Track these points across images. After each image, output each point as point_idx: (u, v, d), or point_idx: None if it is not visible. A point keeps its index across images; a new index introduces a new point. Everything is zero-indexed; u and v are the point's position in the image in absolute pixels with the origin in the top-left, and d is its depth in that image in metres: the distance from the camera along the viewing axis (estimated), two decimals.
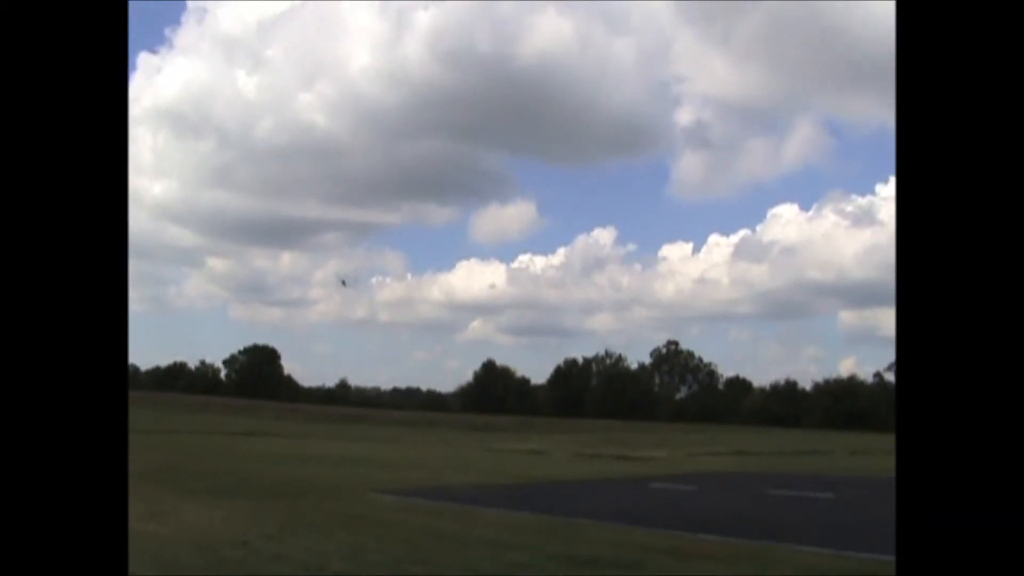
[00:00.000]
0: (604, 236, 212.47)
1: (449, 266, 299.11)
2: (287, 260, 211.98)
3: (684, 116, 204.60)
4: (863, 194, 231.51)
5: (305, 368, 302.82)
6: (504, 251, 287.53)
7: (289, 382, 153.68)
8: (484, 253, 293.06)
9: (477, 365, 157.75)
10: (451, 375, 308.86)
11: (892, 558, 11.44)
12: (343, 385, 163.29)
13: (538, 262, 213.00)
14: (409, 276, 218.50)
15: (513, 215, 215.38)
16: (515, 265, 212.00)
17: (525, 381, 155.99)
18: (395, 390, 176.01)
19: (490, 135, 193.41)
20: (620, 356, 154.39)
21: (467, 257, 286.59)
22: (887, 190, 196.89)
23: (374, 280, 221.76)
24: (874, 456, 50.16)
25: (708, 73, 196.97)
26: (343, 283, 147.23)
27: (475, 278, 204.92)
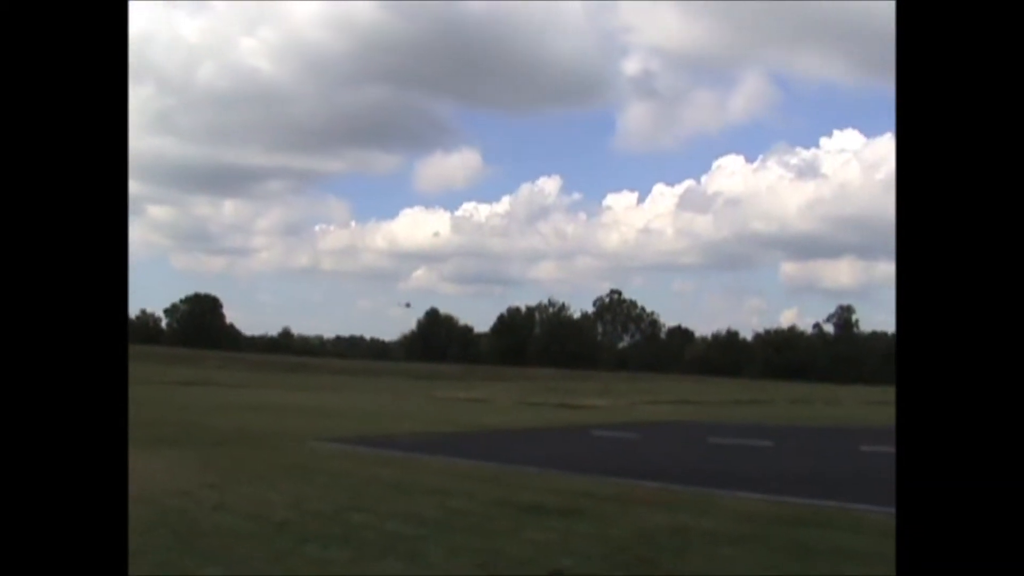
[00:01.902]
0: (549, 185, 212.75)
1: (393, 214, 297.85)
2: (230, 208, 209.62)
3: (631, 66, 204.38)
4: (808, 147, 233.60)
5: (248, 317, 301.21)
6: (448, 199, 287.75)
7: (231, 331, 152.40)
8: (428, 201, 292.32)
9: (421, 314, 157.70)
10: (395, 324, 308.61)
11: (826, 503, 11.71)
12: (286, 334, 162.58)
13: (482, 211, 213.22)
14: (353, 224, 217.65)
15: (458, 163, 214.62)
16: (459, 213, 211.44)
17: (468, 330, 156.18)
18: (338, 339, 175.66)
19: (436, 83, 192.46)
20: (563, 305, 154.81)
21: (411, 205, 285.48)
22: (831, 144, 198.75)
23: (317, 228, 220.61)
24: (813, 405, 51.05)
25: (656, 24, 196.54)
26: (407, 305, 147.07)
27: (419, 226, 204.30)
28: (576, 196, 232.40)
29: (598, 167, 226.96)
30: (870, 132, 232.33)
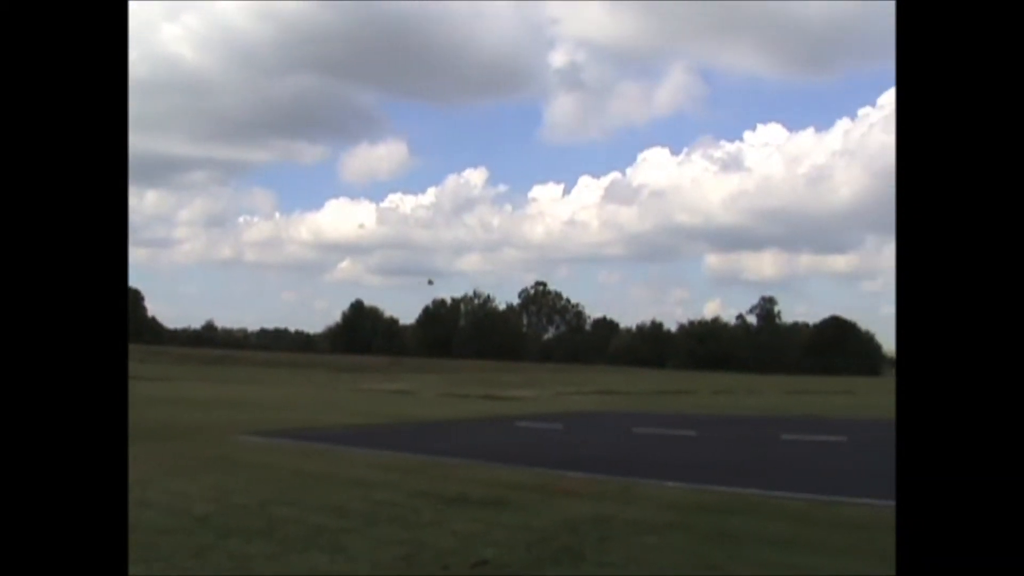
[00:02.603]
0: (475, 177, 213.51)
1: (318, 205, 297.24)
2: (152, 198, 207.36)
3: (558, 58, 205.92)
4: (732, 141, 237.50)
5: (170, 309, 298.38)
6: (374, 191, 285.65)
7: (153, 324, 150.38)
8: (354, 192, 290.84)
9: (346, 306, 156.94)
10: (319, 316, 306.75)
11: (748, 490, 11.85)
12: (209, 327, 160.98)
13: (408, 202, 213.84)
14: (277, 215, 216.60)
15: (384, 154, 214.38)
16: (385, 205, 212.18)
17: (394, 321, 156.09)
18: (262, 331, 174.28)
19: (362, 73, 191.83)
20: (489, 297, 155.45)
21: (337, 197, 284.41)
22: (755, 137, 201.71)
23: (242, 219, 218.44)
24: (736, 395, 51.65)
25: (583, 16, 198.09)
26: (430, 282, 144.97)
27: (344, 218, 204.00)
28: (502, 188, 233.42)
29: (524, 159, 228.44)
30: (793, 126, 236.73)
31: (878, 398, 47.13)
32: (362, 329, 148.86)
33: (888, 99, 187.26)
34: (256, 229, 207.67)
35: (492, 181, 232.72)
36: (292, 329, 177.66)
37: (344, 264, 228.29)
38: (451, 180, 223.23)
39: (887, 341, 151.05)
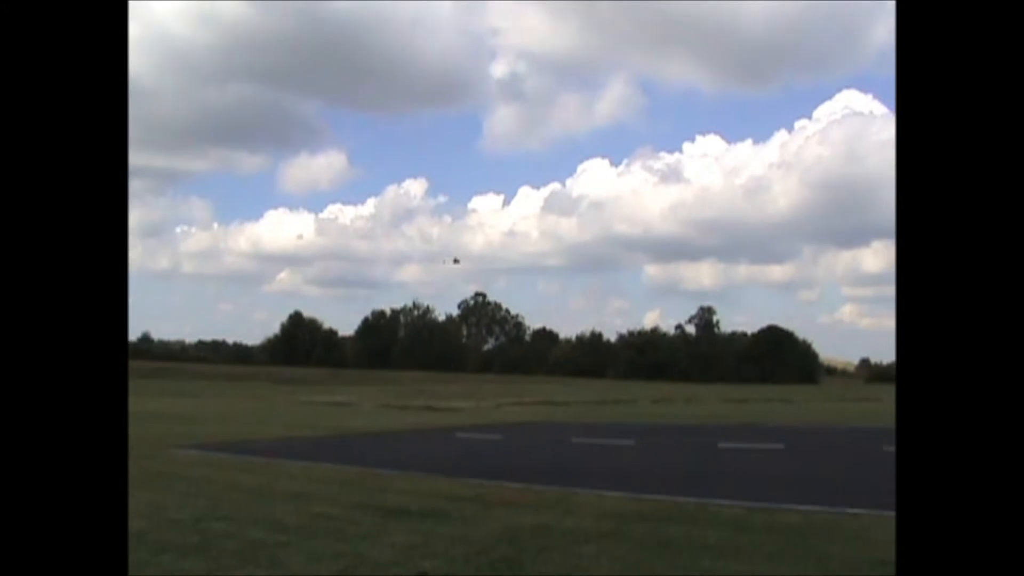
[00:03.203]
0: (415, 187, 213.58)
1: (257, 216, 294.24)
2: None
3: (499, 68, 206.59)
4: (671, 152, 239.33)
5: None
6: (313, 201, 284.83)
7: None
8: (293, 203, 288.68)
9: (284, 317, 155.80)
10: (258, 327, 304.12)
11: (685, 499, 11.92)
12: (145, 338, 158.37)
13: (348, 212, 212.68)
14: (215, 225, 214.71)
15: (323, 164, 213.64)
16: (324, 215, 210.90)
17: (333, 333, 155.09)
18: (200, 343, 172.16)
19: (302, 82, 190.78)
20: (428, 308, 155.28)
21: (275, 207, 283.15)
22: (694, 148, 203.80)
23: (179, 229, 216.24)
24: (674, 404, 52.00)
25: (524, 26, 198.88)
26: (455, 261, 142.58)
27: (283, 228, 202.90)
28: (442, 198, 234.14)
29: (464, 169, 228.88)
30: (731, 138, 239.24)
31: (815, 406, 47.80)
32: (301, 341, 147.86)
33: (823, 112, 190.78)
34: (193, 239, 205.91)
35: (432, 192, 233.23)
36: (230, 341, 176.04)
37: (283, 275, 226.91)
38: (391, 191, 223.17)
39: (823, 350, 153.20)
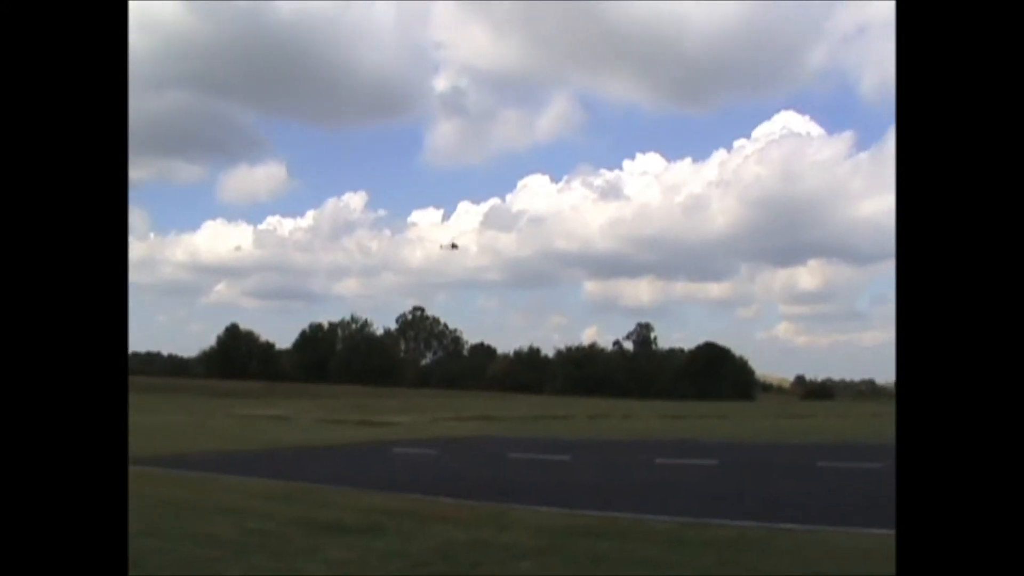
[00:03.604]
0: (355, 200, 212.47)
1: (194, 226, 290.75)
2: None
3: (441, 82, 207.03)
4: (611, 169, 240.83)
5: None
6: (252, 212, 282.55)
7: None
8: (231, 214, 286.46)
9: (221, 329, 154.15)
10: (194, 339, 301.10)
11: (621, 514, 11.98)
12: None
13: (286, 224, 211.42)
14: (152, 236, 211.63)
15: (263, 176, 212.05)
16: (262, 227, 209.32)
17: (270, 346, 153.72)
18: (134, 355, 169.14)
19: (243, 91, 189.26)
20: (366, 321, 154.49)
21: (213, 217, 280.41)
22: (633, 166, 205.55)
23: None
24: (611, 420, 52.10)
25: (467, 41, 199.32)
26: (453, 246, 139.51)
27: (221, 239, 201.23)
28: (382, 212, 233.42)
29: (404, 183, 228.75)
30: (671, 156, 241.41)
31: (750, 422, 48.19)
32: (237, 353, 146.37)
33: (761, 132, 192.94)
34: (129, 249, 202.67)
35: (372, 205, 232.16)
36: (165, 353, 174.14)
37: (220, 287, 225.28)
38: (330, 203, 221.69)
39: (760, 366, 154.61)
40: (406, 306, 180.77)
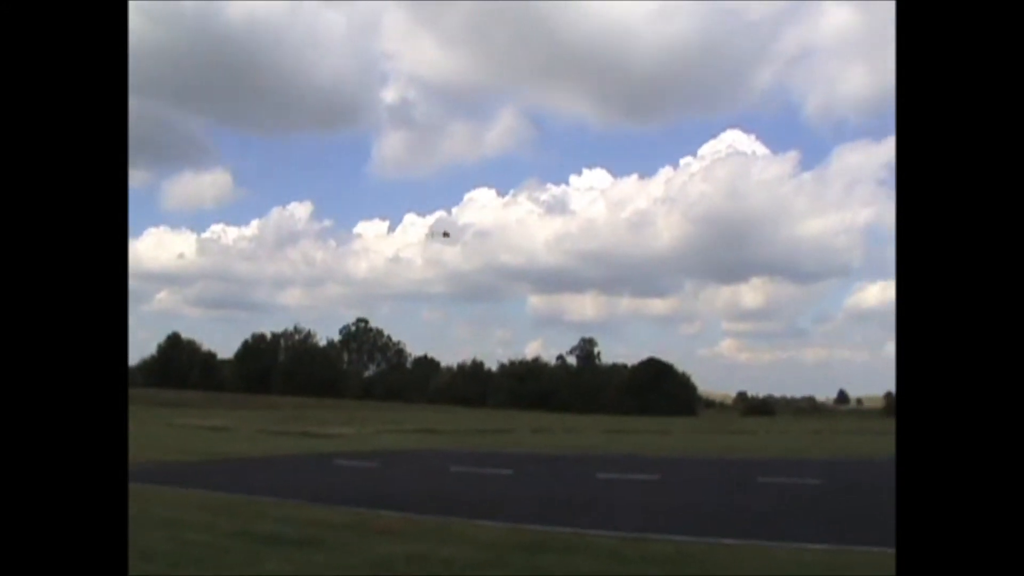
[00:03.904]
0: (300, 210, 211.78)
1: (136, 233, 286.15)
2: None
3: (390, 94, 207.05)
4: (558, 183, 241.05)
5: None
6: (196, 220, 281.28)
7: None
8: (174, 221, 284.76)
9: (162, 338, 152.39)
10: (135, 348, 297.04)
11: (562, 529, 11.97)
12: None
13: (231, 233, 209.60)
14: None
15: (208, 183, 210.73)
16: (206, 235, 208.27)
17: (212, 355, 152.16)
18: None
19: (189, 98, 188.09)
20: (309, 332, 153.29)
21: (156, 224, 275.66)
22: (580, 181, 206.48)
23: None
24: (554, 434, 52.22)
25: (417, 53, 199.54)
26: (445, 234, 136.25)
27: (163, 247, 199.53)
28: (327, 222, 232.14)
29: (351, 194, 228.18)
30: (617, 172, 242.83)
31: (692, 437, 48.45)
32: (178, 362, 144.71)
33: (707, 150, 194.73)
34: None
35: (317, 215, 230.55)
36: None
37: (162, 295, 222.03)
38: (276, 213, 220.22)
39: (702, 382, 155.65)
40: (350, 318, 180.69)
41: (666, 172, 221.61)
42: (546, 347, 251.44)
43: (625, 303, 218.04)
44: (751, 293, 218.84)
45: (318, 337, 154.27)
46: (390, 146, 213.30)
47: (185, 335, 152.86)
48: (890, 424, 72.72)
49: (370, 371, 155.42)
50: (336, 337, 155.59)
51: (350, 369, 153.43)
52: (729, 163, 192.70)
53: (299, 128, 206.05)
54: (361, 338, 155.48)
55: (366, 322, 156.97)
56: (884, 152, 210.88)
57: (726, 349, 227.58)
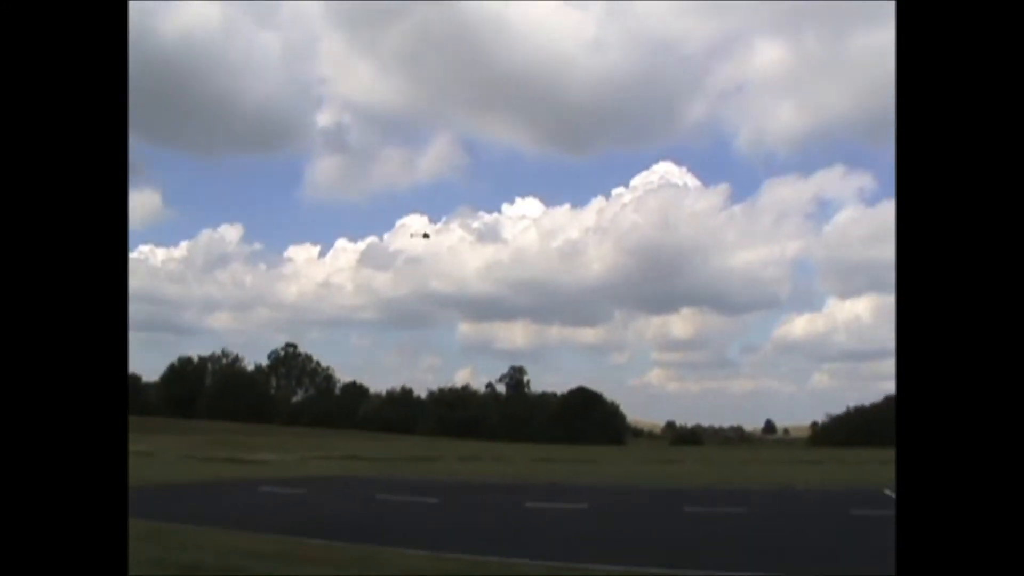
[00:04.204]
0: (231, 232, 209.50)
1: None
2: None
3: (324, 118, 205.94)
4: (490, 211, 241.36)
5: None
6: None
7: None
8: None
9: None
10: None
11: (487, 557, 11.94)
12: None
13: (159, 254, 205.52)
14: None
15: (136, 203, 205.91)
16: (134, 256, 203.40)
17: (137, 378, 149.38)
18: None
19: None
20: (237, 356, 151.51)
21: None
22: (512, 209, 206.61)
23: None
24: (482, 462, 52.08)
25: (352, 78, 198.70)
26: (425, 235, 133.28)
27: None
28: (257, 245, 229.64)
29: (282, 217, 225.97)
30: (550, 201, 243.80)
31: (620, 467, 48.59)
32: None
33: (639, 181, 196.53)
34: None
35: (248, 238, 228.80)
36: None
37: None
38: (205, 234, 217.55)
39: (631, 412, 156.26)
40: (279, 342, 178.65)
41: (598, 202, 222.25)
42: (476, 375, 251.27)
43: (555, 332, 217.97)
44: (681, 323, 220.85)
45: (246, 361, 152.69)
46: (323, 170, 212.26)
47: None
48: (815, 454, 73.76)
49: (298, 396, 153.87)
50: (264, 362, 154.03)
51: (278, 394, 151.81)
52: (661, 194, 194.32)
53: (231, 149, 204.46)
54: (290, 363, 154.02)
55: (295, 347, 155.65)
56: (812, 187, 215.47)
57: (655, 379, 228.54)
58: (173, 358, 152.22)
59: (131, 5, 4.24)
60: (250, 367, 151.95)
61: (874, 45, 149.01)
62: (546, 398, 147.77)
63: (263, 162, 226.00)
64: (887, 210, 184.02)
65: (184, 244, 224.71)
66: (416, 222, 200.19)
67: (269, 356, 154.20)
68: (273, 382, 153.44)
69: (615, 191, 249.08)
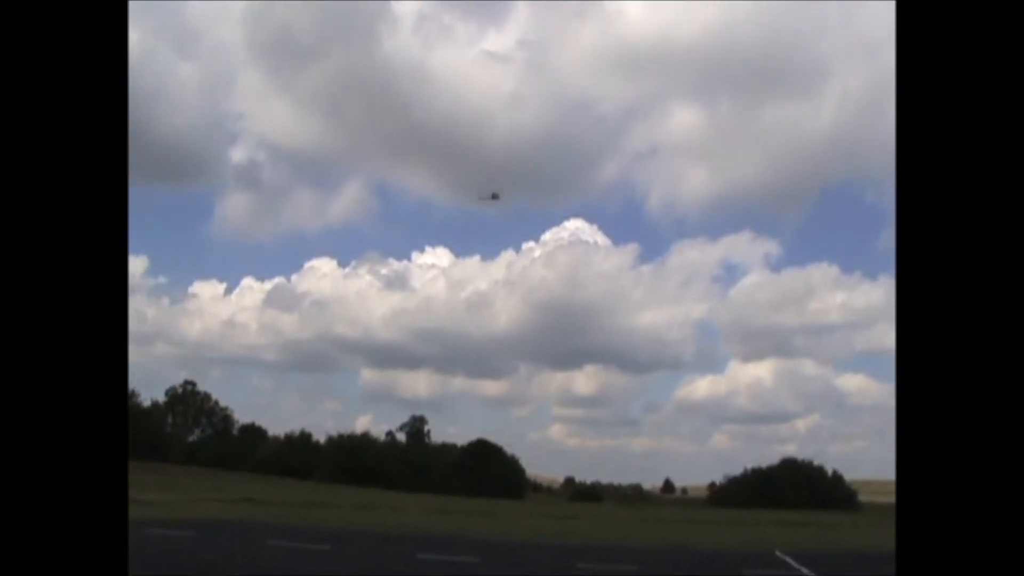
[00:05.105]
0: (135, 264, 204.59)
1: None
2: None
3: (238, 154, 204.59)
4: (399, 259, 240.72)
5: None
6: None
7: None
8: None
9: None
10: None
11: None
12: None
13: None
14: None
15: None
16: None
17: None
18: None
19: None
20: (134, 391, 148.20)
21: None
22: (422, 258, 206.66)
23: None
24: (379, 511, 51.57)
25: (269, 116, 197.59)
26: (494, 196, 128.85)
27: None
28: (162, 279, 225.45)
29: (189, 252, 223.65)
30: (460, 252, 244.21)
31: (517, 521, 48.46)
32: None
33: (550, 236, 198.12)
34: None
35: (152, 271, 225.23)
36: None
37: None
38: None
39: (531, 466, 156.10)
40: (178, 379, 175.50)
41: (508, 255, 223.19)
42: (376, 422, 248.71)
43: (458, 383, 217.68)
44: (584, 380, 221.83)
45: (142, 397, 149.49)
46: (234, 207, 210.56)
47: None
48: (713, 514, 74.40)
49: (194, 436, 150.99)
50: (161, 398, 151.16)
51: (174, 432, 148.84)
52: (571, 250, 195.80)
53: (141, 179, 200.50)
54: (187, 401, 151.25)
55: (194, 384, 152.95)
56: (719, 250, 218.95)
57: (556, 434, 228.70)
58: None
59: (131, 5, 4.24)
60: (146, 403, 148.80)
61: (786, 116, 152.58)
62: (446, 449, 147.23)
63: (173, 194, 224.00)
64: (792, 277, 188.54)
65: None
66: (326, 265, 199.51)
67: (166, 393, 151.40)
68: (169, 419, 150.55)
69: (525, 245, 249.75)
